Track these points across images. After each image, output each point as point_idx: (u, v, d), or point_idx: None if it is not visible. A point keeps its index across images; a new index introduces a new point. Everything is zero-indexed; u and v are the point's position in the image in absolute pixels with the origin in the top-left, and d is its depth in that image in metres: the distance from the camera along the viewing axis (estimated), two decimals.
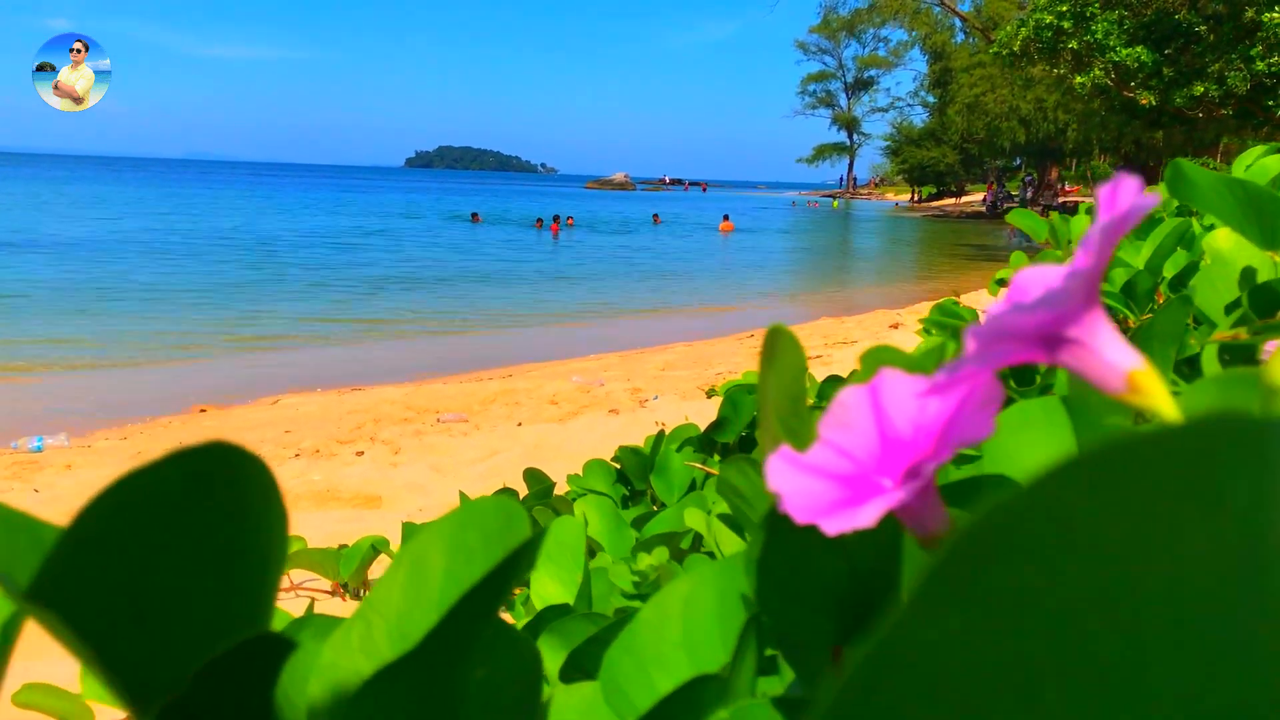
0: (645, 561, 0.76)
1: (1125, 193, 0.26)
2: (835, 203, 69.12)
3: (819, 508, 0.31)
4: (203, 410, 7.19)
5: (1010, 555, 0.13)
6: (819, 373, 1.76)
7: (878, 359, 0.39)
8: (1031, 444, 0.54)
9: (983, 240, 30.14)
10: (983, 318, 0.29)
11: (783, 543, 0.36)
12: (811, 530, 0.34)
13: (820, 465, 0.33)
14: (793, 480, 0.32)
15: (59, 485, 4.97)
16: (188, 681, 0.26)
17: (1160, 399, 0.27)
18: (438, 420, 6.42)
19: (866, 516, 0.29)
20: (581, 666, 0.61)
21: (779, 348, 0.38)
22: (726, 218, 35.41)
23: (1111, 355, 0.27)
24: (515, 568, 0.32)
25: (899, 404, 0.34)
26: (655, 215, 38.32)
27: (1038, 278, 0.30)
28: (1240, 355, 0.71)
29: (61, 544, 0.24)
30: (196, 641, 0.27)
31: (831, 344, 9.19)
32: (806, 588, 0.37)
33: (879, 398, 0.34)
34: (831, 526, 0.30)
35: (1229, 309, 0.84)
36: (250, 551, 0.28)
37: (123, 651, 0.26)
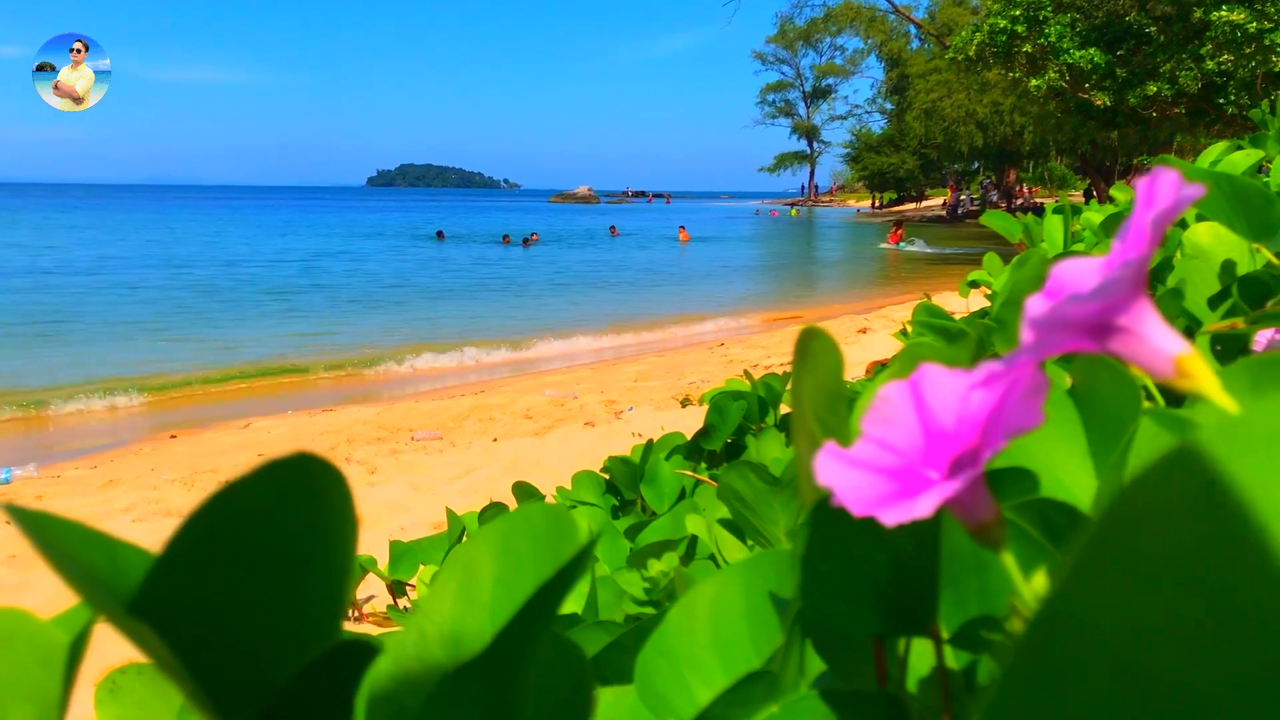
0: (656, 568, 0.77)
1: (1167, 185, 0.27)
2: (794, 211, 69.44)
3: (873, 500, 0.32)
4: (173, 436, 7.11)
5: (1159, 519, 0.14)
6: None
7: (916, 354, 0.39)
8: (1040, 437, 0.56)
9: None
10: (1030, 311, 0.29)
11: (828, 537, 0.37)
12: (856, 524, 0.34)
13: (866, 460, 0.34)
14: (843, 475, 0.33)
15: None
16: (278, 689, 0.26)
17: (1208, 382, 0.28)
18: (412, 439, 6.38)
19: (923, 507, 0.30)
20: (599, 674, 0.62)
21: (813, 348, 0.39)
22: (683, 228, 37.02)
23: (1160, 341, 0.28)
24: (574, 571, 0.33)
25: (940, 397, 0.34)
26: (612, 228, 39.17)
27: (1078, 270, 0.31)
28: (1231, 345, 0.73)
29: (160, 561, 0.24)
30: (281, 651, 0.27)
31: None
32: (850, 581, 0.38)
33: (920, 391, 0.35)
34: (890, 518, 0.30)
35: (1213, 302, 0.86)
36: (330, 560, 0.28)
37: (211, 662, 0.26)
